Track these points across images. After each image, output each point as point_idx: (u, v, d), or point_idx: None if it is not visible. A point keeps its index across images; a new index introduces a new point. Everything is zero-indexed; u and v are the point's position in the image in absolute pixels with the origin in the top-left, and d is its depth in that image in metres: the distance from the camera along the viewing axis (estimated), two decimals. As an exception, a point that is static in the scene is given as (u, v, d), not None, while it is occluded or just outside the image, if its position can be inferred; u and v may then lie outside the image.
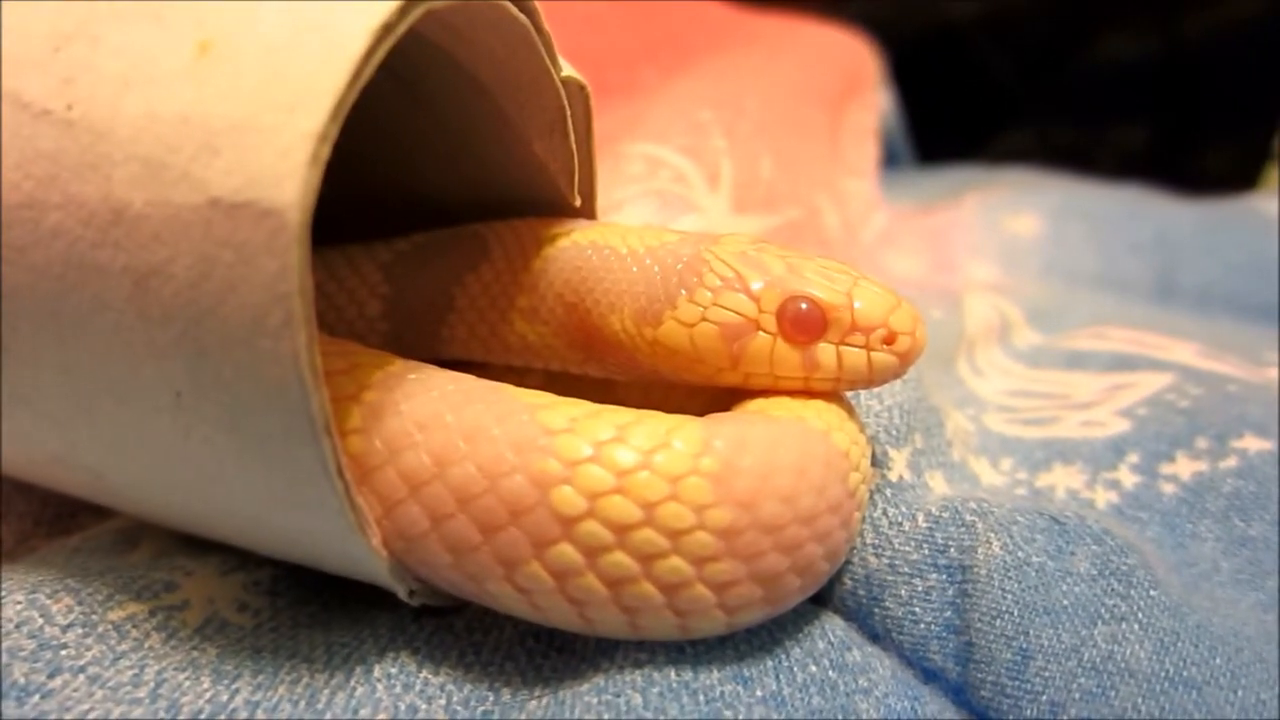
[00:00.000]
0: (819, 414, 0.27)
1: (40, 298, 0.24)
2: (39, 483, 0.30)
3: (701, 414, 0.26)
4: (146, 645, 0.26)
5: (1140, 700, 0.25)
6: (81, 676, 0.25)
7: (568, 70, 0.29)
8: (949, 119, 0.70)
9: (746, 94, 0.49)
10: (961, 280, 0.47)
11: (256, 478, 0.24)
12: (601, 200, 0.34)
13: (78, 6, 0.24)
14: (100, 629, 0.26)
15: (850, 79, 0.58)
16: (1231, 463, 0.32)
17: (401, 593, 0.26)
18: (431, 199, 0.34)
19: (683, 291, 0.28)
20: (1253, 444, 0.32)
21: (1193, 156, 0.72)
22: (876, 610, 0.28)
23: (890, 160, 0.62)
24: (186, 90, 0.22)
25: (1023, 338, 0.42)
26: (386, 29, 0.22)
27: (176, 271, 0.22)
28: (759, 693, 0.25)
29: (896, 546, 0.29)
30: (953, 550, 0.28)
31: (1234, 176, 0.67)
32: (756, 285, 0.28)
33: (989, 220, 0.51)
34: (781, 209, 0.45)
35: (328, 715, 0.25)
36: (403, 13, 0.23)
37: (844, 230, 0.49)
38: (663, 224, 0.40)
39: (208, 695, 0.25)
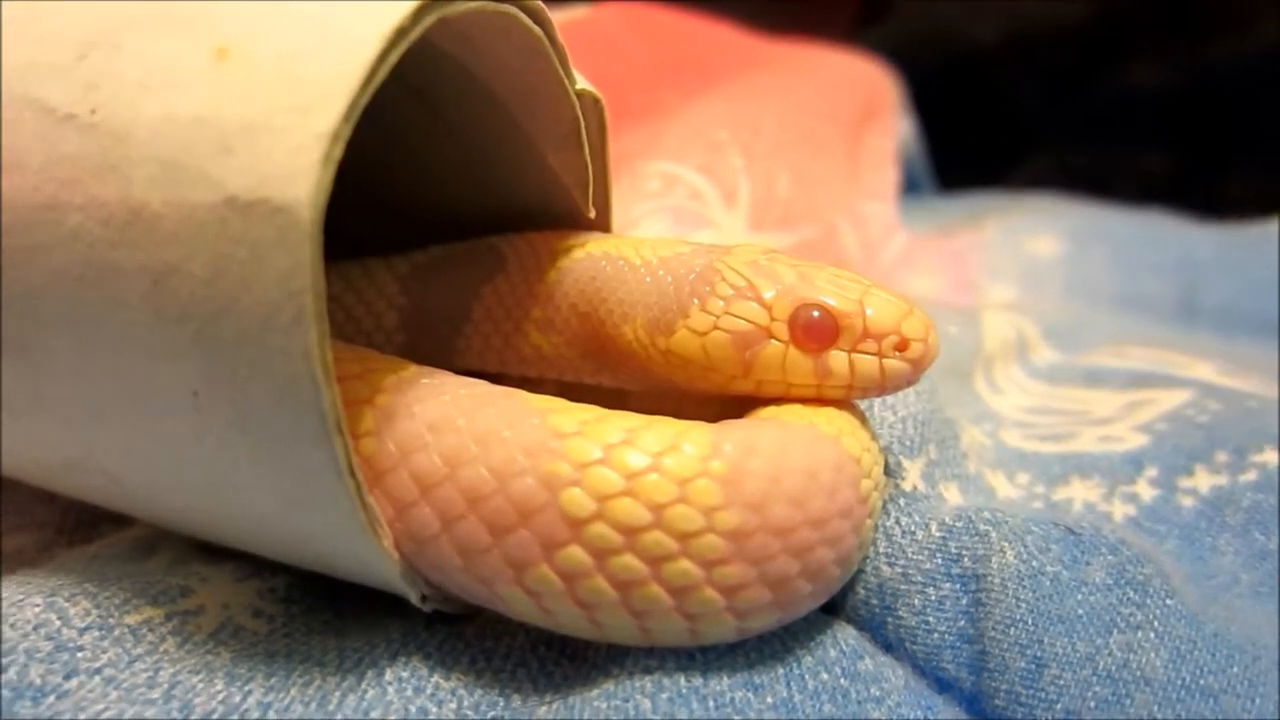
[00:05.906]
0: (830, 420, 0.27)
1: (60, 299, 0.24)
2: (58, 490, 0.31)
3: (713, 422, 0.26)
4: (161, 649, 0.26)
5: (1156, 708, 0.24)
6: (97, 678, 0.25)
7: (582, 83, 0.29)
8: (971, 146, 0.70)
9: (764, 114, 0.50)
10: (981, 300, 0.47)
11: (270, 478, 0.24)
12: (618, 216, 0.34)
13: (101, 16, 0.25)
14: (116, 632, 0.26)
15: (868, 104, 0.59)
16: (1251, 476, 0.32)
17: (414, 597, 0.26)
18: (448, 211, 0.35)
19: (695, 300, 0.28)
20: (1273, 458, 0.32)
21: (1215, 184, 0.72)
22: (889, 619, 0.28)
23: (911, 187, 0.62)
24: (203, 93, 0.23)
25: (1041, 356, 0.41)
26: (400, 34, 0.23)
27: (192, 270, 0.22)
28: (769, 699, 0.25)
29: (910, 555, 0.28)
30: (966, 559, 0.28)
31: (1257, 204, 0.67)
32: (768, 293, 0.28)
33: (1009, 242, 0.51)
34: (798, 227, 0.45)
35: (339, 716, 0.25)
36: (416, 18, 0.23)
37: (862, 250, 0.49)
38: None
39: (220, 697, 0.25)
